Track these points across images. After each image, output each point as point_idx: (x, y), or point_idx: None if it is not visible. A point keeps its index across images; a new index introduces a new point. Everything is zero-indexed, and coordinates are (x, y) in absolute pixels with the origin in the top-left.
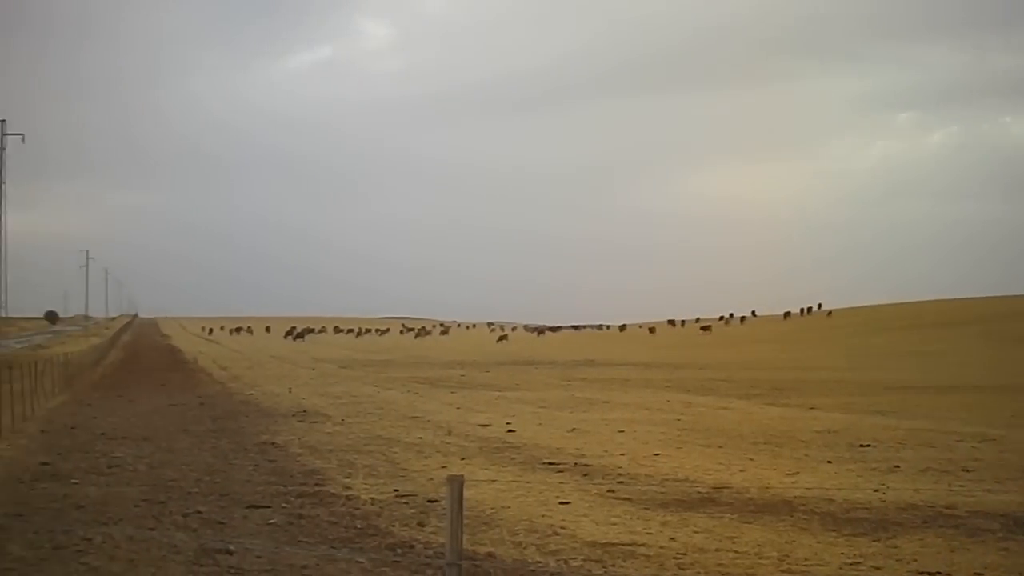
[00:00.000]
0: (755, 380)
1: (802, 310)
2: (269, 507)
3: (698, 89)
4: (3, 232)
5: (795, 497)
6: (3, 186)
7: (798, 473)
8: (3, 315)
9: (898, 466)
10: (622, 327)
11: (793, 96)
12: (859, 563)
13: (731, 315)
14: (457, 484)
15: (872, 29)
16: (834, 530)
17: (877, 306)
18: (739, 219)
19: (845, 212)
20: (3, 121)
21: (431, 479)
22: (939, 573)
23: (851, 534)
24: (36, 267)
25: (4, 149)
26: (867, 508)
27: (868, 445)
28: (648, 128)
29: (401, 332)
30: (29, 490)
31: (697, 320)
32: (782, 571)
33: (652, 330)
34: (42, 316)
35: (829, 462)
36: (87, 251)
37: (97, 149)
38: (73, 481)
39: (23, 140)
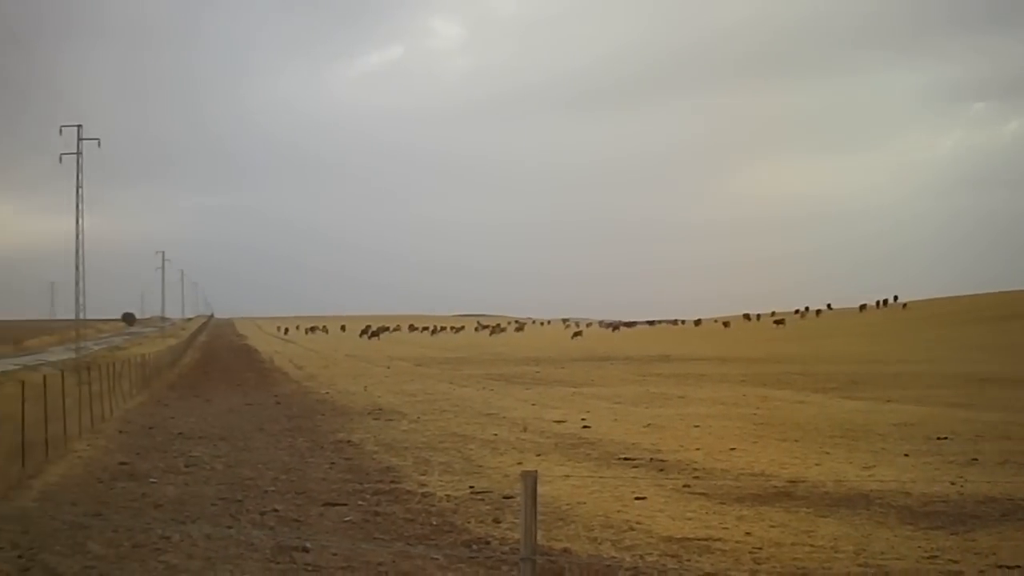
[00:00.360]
0: (831, 373)
1: (878, 302)
2: (345, 505)
3: (768, 83)
4: (80, 235)
5: (872, 491)
6: (80, 189)
7: (875, 466)
8: (81, 317)
9: (976, 459)
10: (697, 322)
11: (864, 88)
12: (936, 556)
13: (806, 308)
14: (531, 479)
15: (945, 19)
16: (911, 524)
17: (953, 298)
18: (812, 213)
19: (919, 204)
20: (80, 126)
21: (506, 475)
22: (1018, 567)
23: (928, 527)
24: (113, 269)
25: (81, 153)
26: (944, 501)
27: (945, 438)
28: (718, 123)
29: (476, 330)
30: (108, 489)
31: (772, 314)
32: (859, 565)
33: (726, 324)
34: (119, 318)
35: (906, 455)
36: (163, 253)
37: (173, 151)
38: (151, 480)
39: (99, 144)
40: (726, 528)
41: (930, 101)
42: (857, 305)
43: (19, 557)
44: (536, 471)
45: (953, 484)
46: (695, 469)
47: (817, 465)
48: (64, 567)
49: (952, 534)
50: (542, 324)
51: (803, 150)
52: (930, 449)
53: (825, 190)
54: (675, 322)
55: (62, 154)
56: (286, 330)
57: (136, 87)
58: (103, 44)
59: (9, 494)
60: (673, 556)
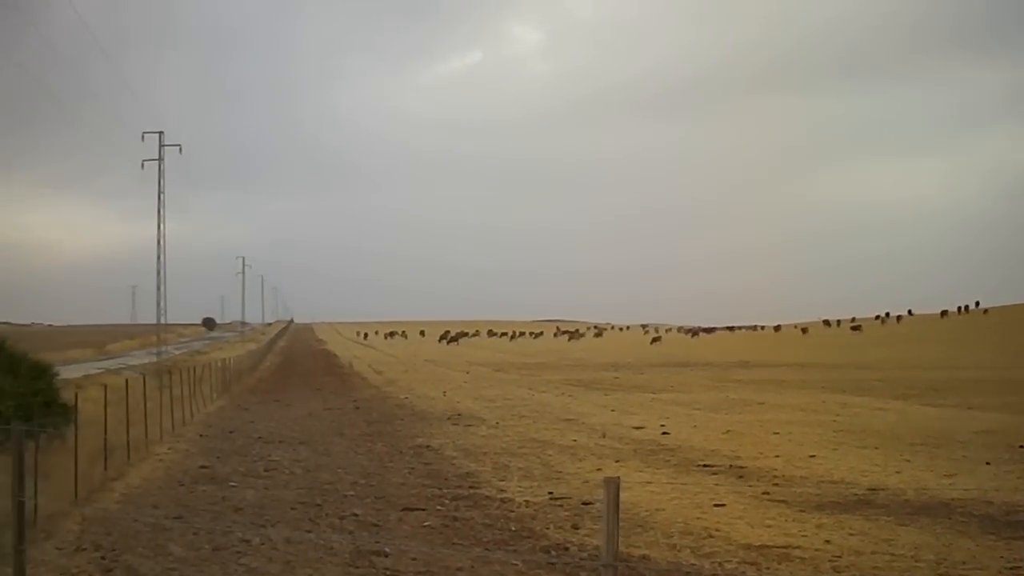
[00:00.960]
0: (911, 380)
1: (959, 308)
2: (424, 510)
3: (849, 85)
4: (162, 240)
5: (953, 499)
6: (161, 195)
7: (956, 475)
8: (162, 321)
9: None
10: (776, 327)
11: (947, 90)
12: (1019, 567)
13: (887, 314)
14: (614, 486)
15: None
16: (993, 533)
17: None
18: (893, 217)
19: (1003, 208)
20: (161, 132)
21: (585, 482)
22: None
23: (1011, 537)
24: (194, 274)
25: (162, 159)
26: None
27: None
28: (797, 126)
29: (555, 335)
30: (189, 492)
31: (852, 320)
32: (939, 574)
33: (804, 330)
34: (200, 322)
35: (988, 463)
36: (243, 258)
37: (254, 157)
38: (231, 484)
39: (180, 150)
40: (805, 536)
41: (1014, 104)
42: (938, 311)
43: (102, 558)
44: (618, 477)
45: None
46: (774, 476)
47: (897, 473)
48: (146, 568)
49: None
50: (621, 329)
51: (885, 153)
52: (1012, 457)
53: (906, 194)
54: (754, 328)
55: (144, 160)
56: (365, 335)
57: (218, 93)
58: (185, 51)
59: (92, 496)
60: (752, 564)
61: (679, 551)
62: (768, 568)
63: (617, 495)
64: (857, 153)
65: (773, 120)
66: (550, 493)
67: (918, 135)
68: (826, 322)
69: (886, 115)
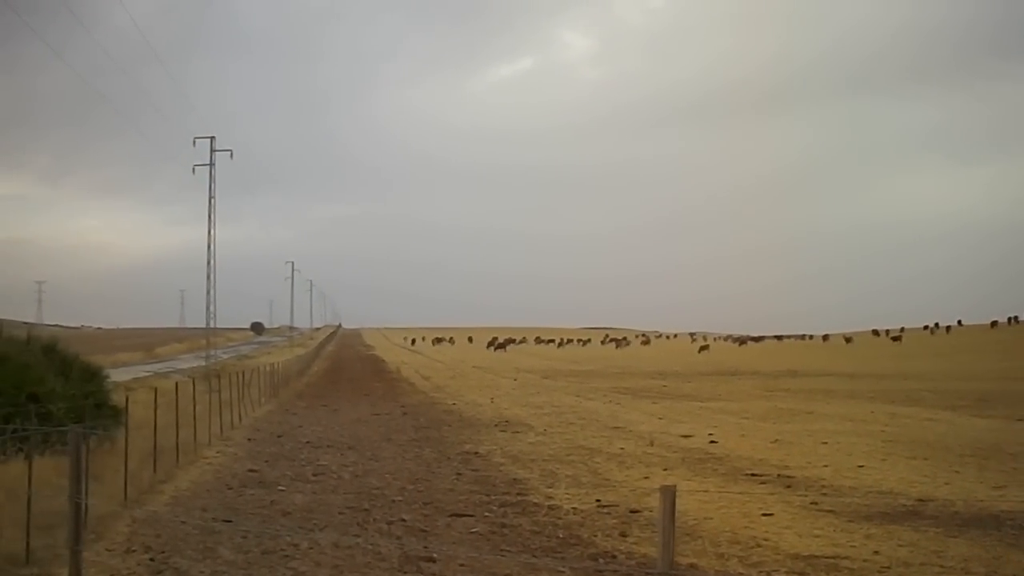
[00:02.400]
0: (961, 391)
1: (1010, 319)
2: (472, 516)
3: (907, 91)
4: (212, 244)
5: (1003, 511)
6: (213, 200)
7: (1006, 486)
8: (211, 326)
9: None
10: (825, 337)
11: (1007, 97)
12: None
13: (936, 325)
14: (670, 494)
15: None
16: None
17: None
18: (948, 226)
19: None
20: (213, 137)
21: (633, 490)
22: None
23: None
24: (243, 279)
25: (213, 164)
26: None
27: None
28: (851, 133)
29: (602, 343)
30: (237, 496)
31: (901, 330)
32: None
33: (848, 339)
34: (248, 327)
35: None
36: (292, 263)
37: (305, 162)
38: (280, 488)
39: (231, 155)
40: (854, 546)
41: None
42: (988, 321)
43: (151, 560)
44: (675, 486)
45: None
46: (823, 486)
47: (947, 484)
48: (195, 571)
49: None
50: (668, 338)
51: (940, 162)
52: None
53: (958, 205)
54: (803, 337)
55: (195, 165)
56: (413, 341)
57: (269, 99)
58: (237, 58)
59: (142, 498)
60: (800, 574)
61: (727, 560)
62: None
63: (673, 503)
64: (914, 161)
65: (826, 127)
66: (598, 501)
67: (964, 145)
68: (875, 332)
69: (944, 122)
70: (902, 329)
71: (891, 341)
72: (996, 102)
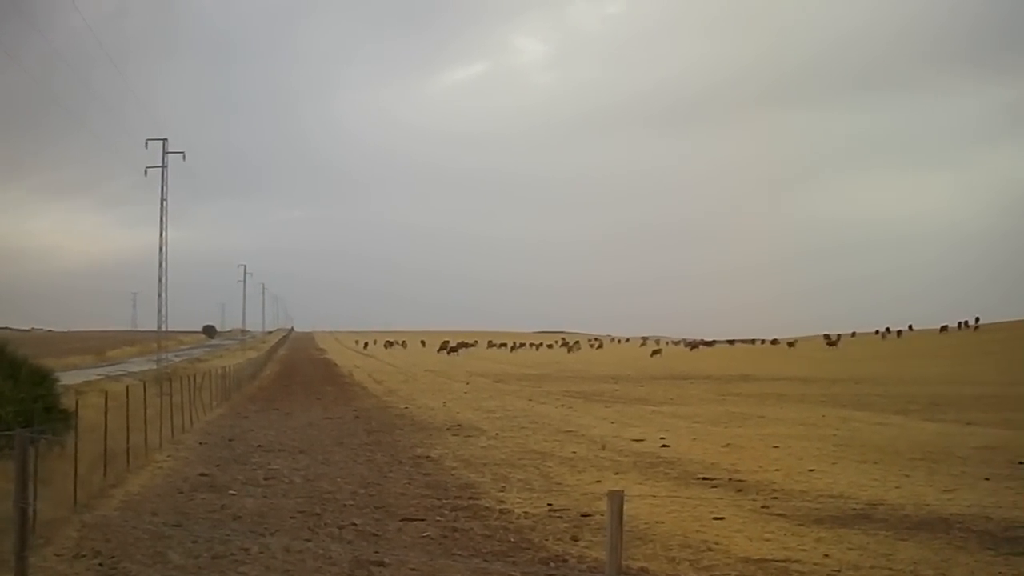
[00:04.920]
0: (912, 395)
1: (960, 324)
2: (423, 520)
3: (851, 100)
4: (164, 247)
5: (952, 514)
6: (165, 202)
7: (955, 490)
8: (163, 329)
9: None
10: (774, 341)
11: (947, 105)
12: None
13: (887, 329)
14: (617, 499)
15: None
16: (992, 549)
17: None
18: (895, 232)
19: (1002, 224)
20: (165, 139)
21: (585, 494)
22: None
23: (1009, 553)
24: (195, 282)
25: (166, 166)
26: None
27: None
28: (798, 141)
29: (550, 346)
30: (188, 500)
31: (852, 335)
32: None
33: (792, 344)
34: (200, 330)
35: (987, 479)
36: (244, 266)
37: (256, 166)
38: (231, 492)
39: (184, 157)
40: (804, 550)
41: (1015, 119)
42: (939, 326)
43: (100, 565)
44: (622, 491)
45: None
46: (774, 490)
47: (897, 488)
48: None
49: None
50: (620, 342)
51: (884, 168)
52: (1012, 473)
53: (907, 209)
54: (753, 341)
55: (147, 167)
56: (366, 344)
57: (219, 102)
58: (190, 60)
59: (92, 503)
60: None
61: (678, 564)
62: None
63: (621, 508)
64: (859, 168)
65: (771, 134)
66: (549, 505)
67: (921, 151)
68: (827, 337)
69: (888, 129)
70: (853, 334)
71: (844, 346)
72: (951, 108)
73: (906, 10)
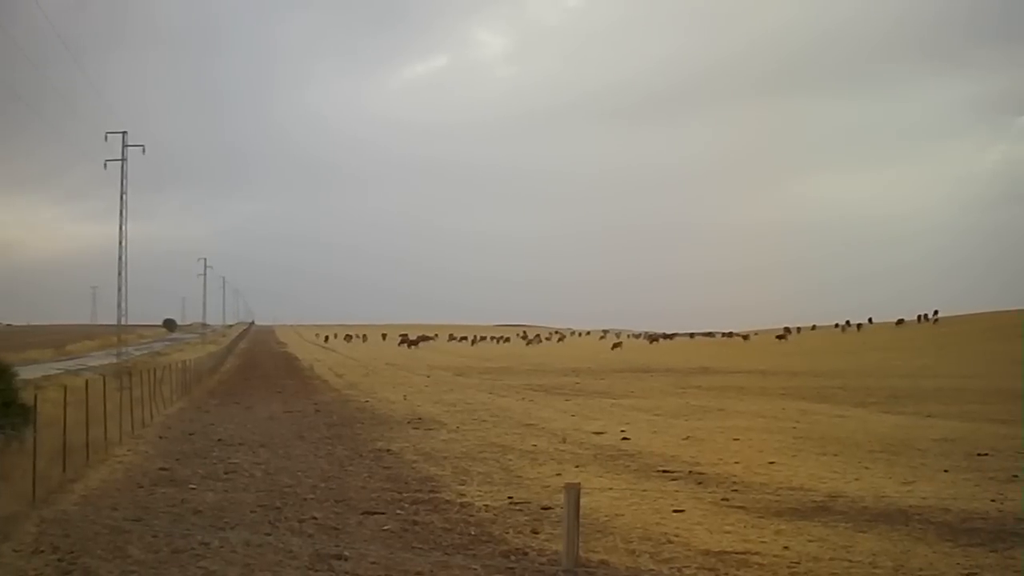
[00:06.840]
0: (871, 388)
1: (918, 317)
2: (384, 513)
3: (809, 95)
4: (124, 240)
5: (911, 506)
6: (124, 195)
7: (914, 482)
8: (123, 322)
9: (1016, 476)
10: (728, 334)
11: (907, 101)
12: (975, 574)
13: (847, 322)
14: (574, 492)
15: (990, 31)
16: (950, 540)
17: (995, 313)
18: (854, 227)
19: (963, 217)
20: (125, 132)
21: (545, 486)
22: None
23: (968, 544)
24: (155, 275)
25: (126, 159)
26: (984, 518)
27: (986, 454)
28: (759, 136)
29: (509, 340)
30: (148, 495)
31: (813, 327)
32: None
33: (745, 337)
34: (161, 324)
35: (946, 471)
36: (205, 259)
37: (216, 159)
38: (191, 486)
39: (144, 151)
40: (764, 542)
41: (974, 114)
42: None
43: (59, 560)
44: (579, 484)
45: (993, 501)
46: (734, 482)
47: (856, 480)
48: (104, 571)
49: (991, 551)
50: (581, 335)
51: (844, 164)
52: (970, 465)
53: (867, 204)
54: (711, 335)
55: (107, 160)
56: (326, 338)
57: (186, 94)
58: (152, 53)
59: (50, 498)
60: (711, 570)
61: (638, 556)
62: (727, 574)
63: (578, 501)
64: (818, 163)
65: (733, 130)
66: (510, 498)
67: (879, 146)
68: (787, 329)
69: (848, 125)
70: (813, 327)
71: (805, 338)
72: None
73: (860, 7)
